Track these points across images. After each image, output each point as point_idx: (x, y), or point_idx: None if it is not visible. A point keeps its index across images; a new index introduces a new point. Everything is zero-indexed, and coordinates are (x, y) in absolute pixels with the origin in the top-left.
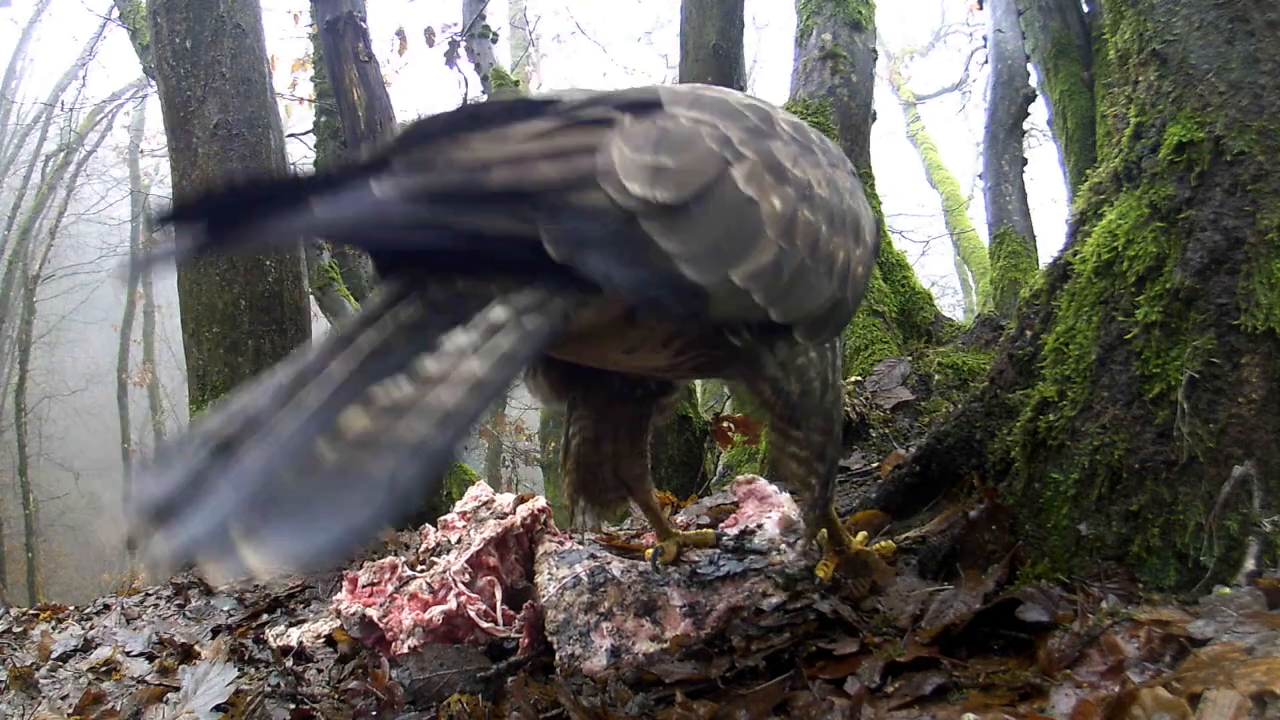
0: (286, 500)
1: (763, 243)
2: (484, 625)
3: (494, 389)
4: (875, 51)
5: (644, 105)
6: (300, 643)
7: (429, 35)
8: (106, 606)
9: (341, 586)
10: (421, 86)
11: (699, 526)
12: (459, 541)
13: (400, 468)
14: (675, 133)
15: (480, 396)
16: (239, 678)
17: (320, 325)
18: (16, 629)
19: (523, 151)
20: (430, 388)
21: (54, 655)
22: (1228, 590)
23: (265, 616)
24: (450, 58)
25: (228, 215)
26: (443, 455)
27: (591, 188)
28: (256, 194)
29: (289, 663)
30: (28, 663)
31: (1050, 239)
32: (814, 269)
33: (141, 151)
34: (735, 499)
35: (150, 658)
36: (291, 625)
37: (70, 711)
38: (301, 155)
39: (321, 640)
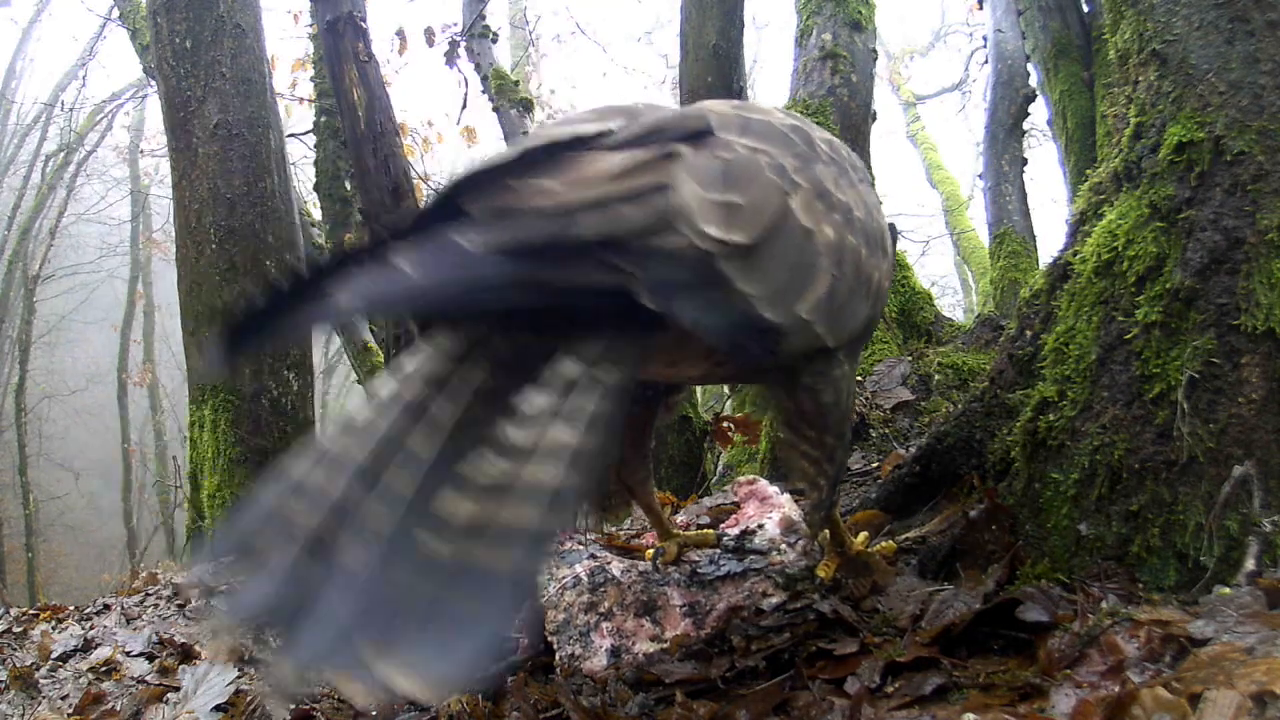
0: (412, 609)
1: (819, 273)
2: None
3: (592, 456)
4: (875, 51)
5: (698, 134)
6: None
7: (429, 35)
8: (106, 606)
9: None
10: (421, 86)
11: (699, 526)
12: None
13: (522, 561)
14: (737, 165)
15: (579, 468)
16: (239, 678)
17: None
18: (16, 629)
19: (605, 194)
20: (524, 463)
21: (54, 655)
22: (1228, 590)
23: None
24: (450, 58)
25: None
26: (554, 537)
27: (669, 230)
28: (334, 264)
29: None
30: (28, 663)
31: (1050, 239)
32: (857, 291)
33: (141, 151)
34: (736, 499)
35: (150, 658)
36: None
37: (70, 711)
38: (302, 155)
39: None
